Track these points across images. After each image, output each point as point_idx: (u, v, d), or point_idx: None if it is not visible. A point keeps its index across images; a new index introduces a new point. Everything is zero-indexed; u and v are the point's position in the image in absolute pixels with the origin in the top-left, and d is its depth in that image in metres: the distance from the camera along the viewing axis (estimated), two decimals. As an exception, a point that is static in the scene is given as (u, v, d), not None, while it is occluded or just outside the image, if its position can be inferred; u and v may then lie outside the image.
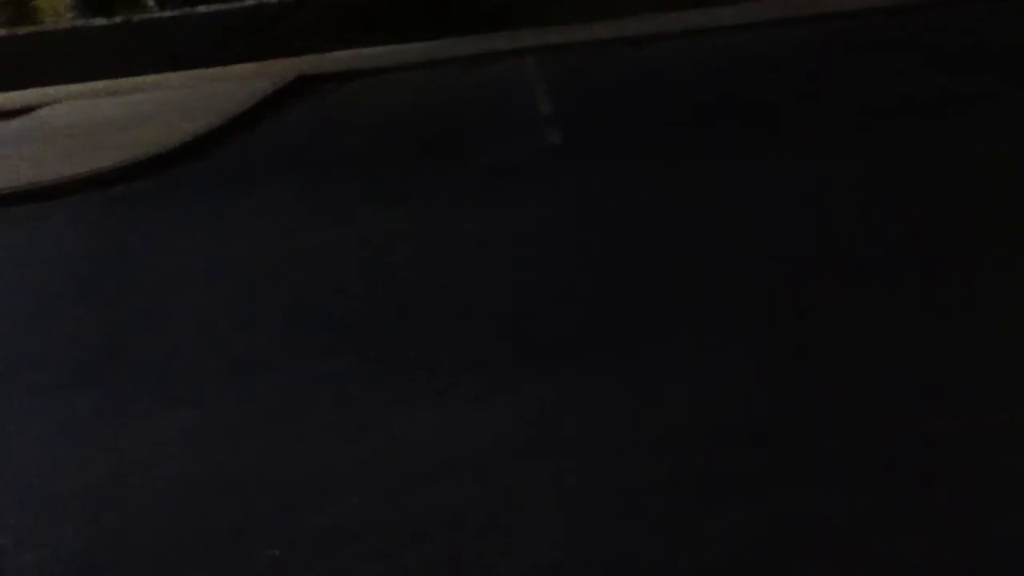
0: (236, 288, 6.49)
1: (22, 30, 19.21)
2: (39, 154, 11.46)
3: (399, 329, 5.38)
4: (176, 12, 19.16)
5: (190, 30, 18.83)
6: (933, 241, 5.87)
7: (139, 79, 17.80)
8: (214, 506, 3.80)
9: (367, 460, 4.02)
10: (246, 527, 3.63)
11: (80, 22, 19.30)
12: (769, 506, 3.42)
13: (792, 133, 9.06)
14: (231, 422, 4.52)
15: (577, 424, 4.15)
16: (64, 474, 4.21)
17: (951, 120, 8.65)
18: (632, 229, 6.72)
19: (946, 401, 4.00)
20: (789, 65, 12.58)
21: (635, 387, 4.41)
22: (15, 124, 14.39)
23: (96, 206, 9.35)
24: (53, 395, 5.04)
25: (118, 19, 19.19)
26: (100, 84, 17.78)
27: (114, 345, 5.71)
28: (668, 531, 3.33)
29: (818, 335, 4.78)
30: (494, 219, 7.23)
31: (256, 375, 4.97)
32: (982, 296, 5.02)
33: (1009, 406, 3.89)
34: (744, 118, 9.84)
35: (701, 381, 4.41)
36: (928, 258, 5.59)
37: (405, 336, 5.26)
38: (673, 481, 3.62)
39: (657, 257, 6.11)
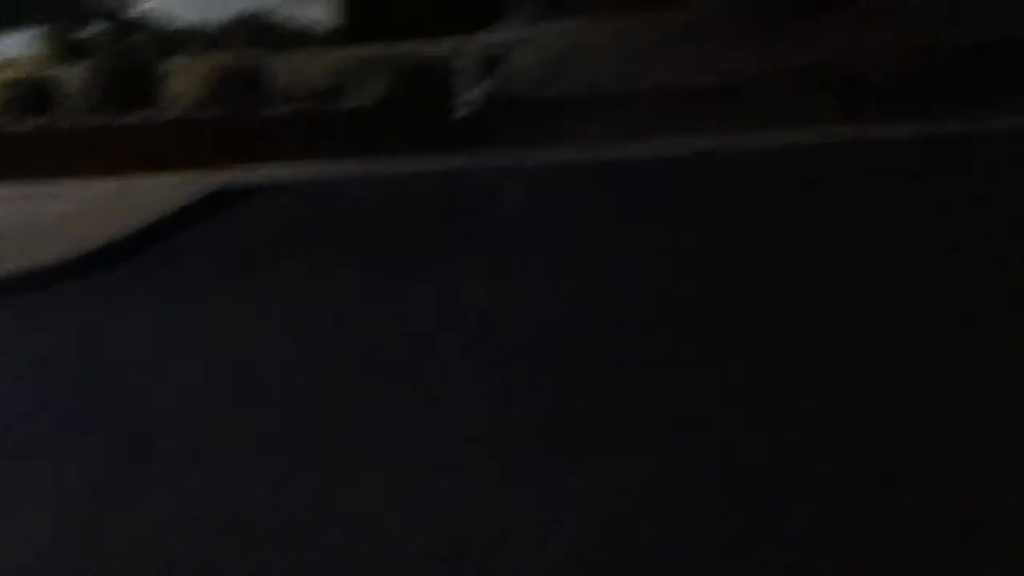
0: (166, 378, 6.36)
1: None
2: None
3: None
4: (101, 120, 18.55)
5: (115, 138, 18.28)
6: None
7: (56, 185, 17.04)
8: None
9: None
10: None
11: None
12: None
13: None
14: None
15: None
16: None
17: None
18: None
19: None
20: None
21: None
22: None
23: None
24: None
25: (43, 121, 18.56)
26: (10, 189, 16.99)
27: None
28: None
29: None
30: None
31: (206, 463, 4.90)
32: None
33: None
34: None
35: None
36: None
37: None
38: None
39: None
